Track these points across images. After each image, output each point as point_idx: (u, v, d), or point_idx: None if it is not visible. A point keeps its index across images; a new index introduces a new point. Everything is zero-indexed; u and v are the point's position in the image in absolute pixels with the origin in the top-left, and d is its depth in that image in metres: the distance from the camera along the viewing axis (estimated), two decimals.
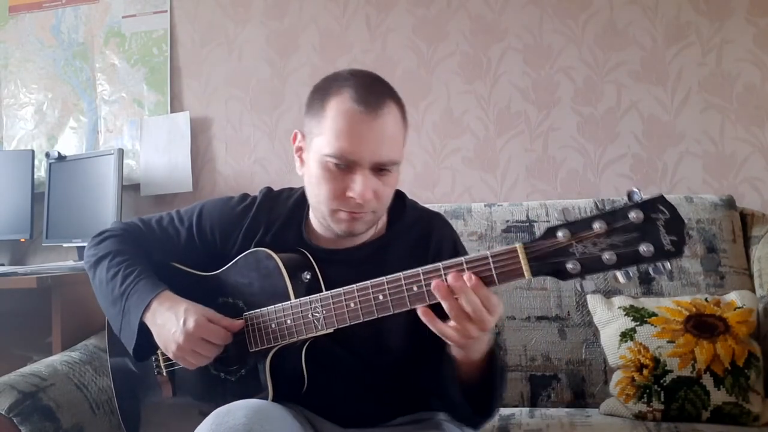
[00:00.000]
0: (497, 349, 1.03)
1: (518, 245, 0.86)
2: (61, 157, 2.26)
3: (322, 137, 1.02)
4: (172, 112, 2.30)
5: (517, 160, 2.04)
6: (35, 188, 2.26)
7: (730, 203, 1.71)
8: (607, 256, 0.81)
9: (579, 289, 0.85)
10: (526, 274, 0.86)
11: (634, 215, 0.80)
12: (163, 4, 2.33)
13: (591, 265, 0.83)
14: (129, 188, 2.30)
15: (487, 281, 0.88)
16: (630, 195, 0.82)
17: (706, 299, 1.52)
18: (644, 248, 0.80)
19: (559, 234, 0.83)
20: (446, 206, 1.83)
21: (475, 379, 1.02)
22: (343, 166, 1.01)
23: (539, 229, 1.73)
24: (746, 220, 1.73)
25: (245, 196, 1.24)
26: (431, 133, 2.09)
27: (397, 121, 1.05)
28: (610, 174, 1.97)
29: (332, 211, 1.05)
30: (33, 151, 2.29)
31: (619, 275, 0.82)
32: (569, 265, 0.83)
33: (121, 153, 2.13)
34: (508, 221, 1.76)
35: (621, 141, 1.97)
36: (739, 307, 1.48)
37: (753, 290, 1.61)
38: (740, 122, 1.90)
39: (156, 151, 2.30)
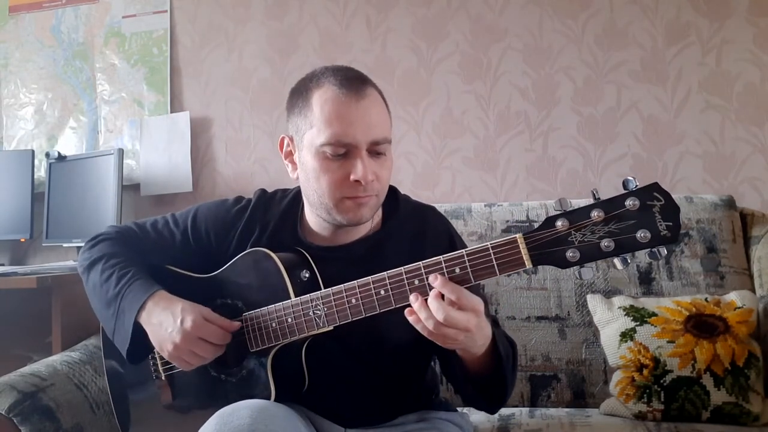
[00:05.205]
0: (500, 340, 1.03)
1: (518, 236, 0.88)
2: (61, 157, 2.26)
3: (314, 129, 1.04)
4: (172, 112, 2.30)
5: (517, 160, 2.04)
6: (35, 188, 2.26)
7: (730, 203, 1.71)
8: (606, 243, 0.83)
9: (577, 276, 0.87)
10: (526, 263, 0.87)
11: (630, 203, 0.83)
12: (163, 4, 2.33)
13: (590, 253, 0.85)
14: (129, 188, 2.30)
15: (488, 272, 0.90)
16: (625, 183, 0.84)
17: (706, 299, 1.52)
18: (641, 234, 0.82)
19: (558, 223, 0.85)
20: (446, 206, 1.82)
21: (484, 371, 1.03)
22: (341, 153, 1.02)
23: None
24: (746, 220, 1.73)
25: (240, 198, 1.24)
26: (431, 133, 2.09)
27: (381, 103, 1.07)
28: (610, 174, 1.97)
29: (337, 201, 1.04)
30: (33, 151, 2.29)
31: (617, 262, 0.84)
32: (569, 254, 0.85)
33: (121, 153, 2.13)
34: (508, 221, 1.76)
35: (621, 141, 1.97)
36: (739, 307, 1.48)
37: (753, 290, 1.61)
38: (740, 122, 1.90)
39: (156, 151, 2.30)
